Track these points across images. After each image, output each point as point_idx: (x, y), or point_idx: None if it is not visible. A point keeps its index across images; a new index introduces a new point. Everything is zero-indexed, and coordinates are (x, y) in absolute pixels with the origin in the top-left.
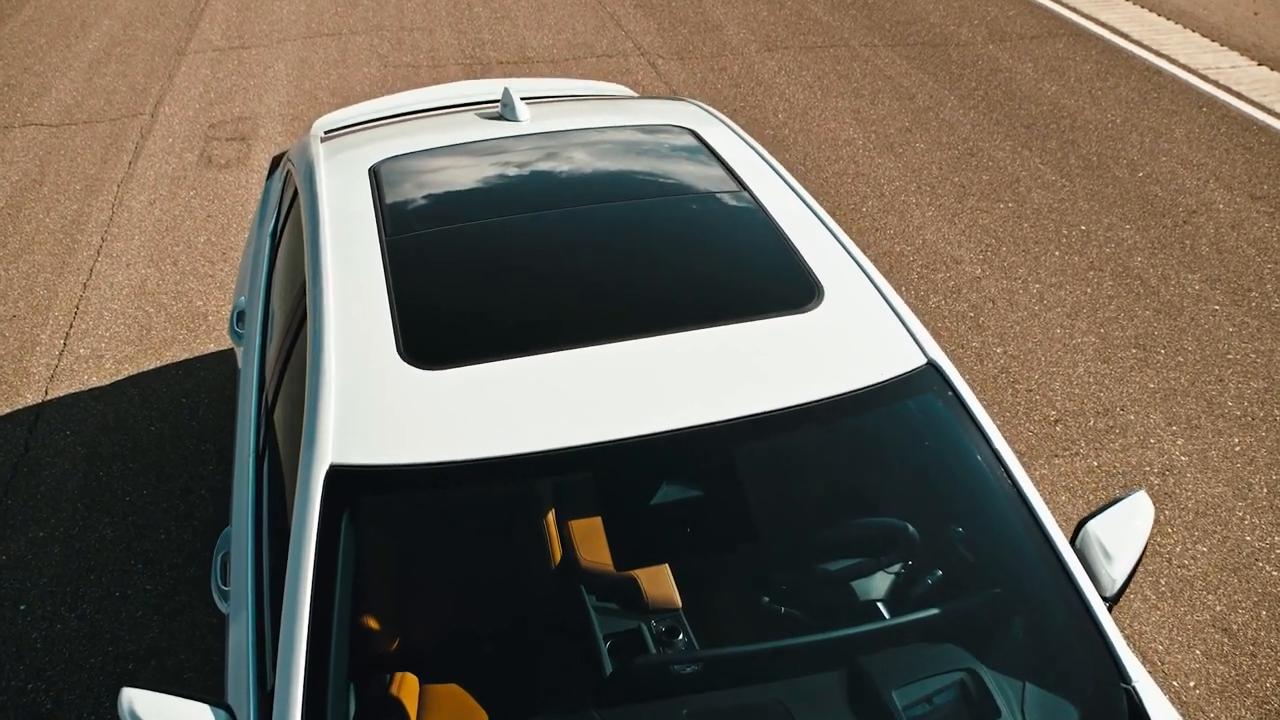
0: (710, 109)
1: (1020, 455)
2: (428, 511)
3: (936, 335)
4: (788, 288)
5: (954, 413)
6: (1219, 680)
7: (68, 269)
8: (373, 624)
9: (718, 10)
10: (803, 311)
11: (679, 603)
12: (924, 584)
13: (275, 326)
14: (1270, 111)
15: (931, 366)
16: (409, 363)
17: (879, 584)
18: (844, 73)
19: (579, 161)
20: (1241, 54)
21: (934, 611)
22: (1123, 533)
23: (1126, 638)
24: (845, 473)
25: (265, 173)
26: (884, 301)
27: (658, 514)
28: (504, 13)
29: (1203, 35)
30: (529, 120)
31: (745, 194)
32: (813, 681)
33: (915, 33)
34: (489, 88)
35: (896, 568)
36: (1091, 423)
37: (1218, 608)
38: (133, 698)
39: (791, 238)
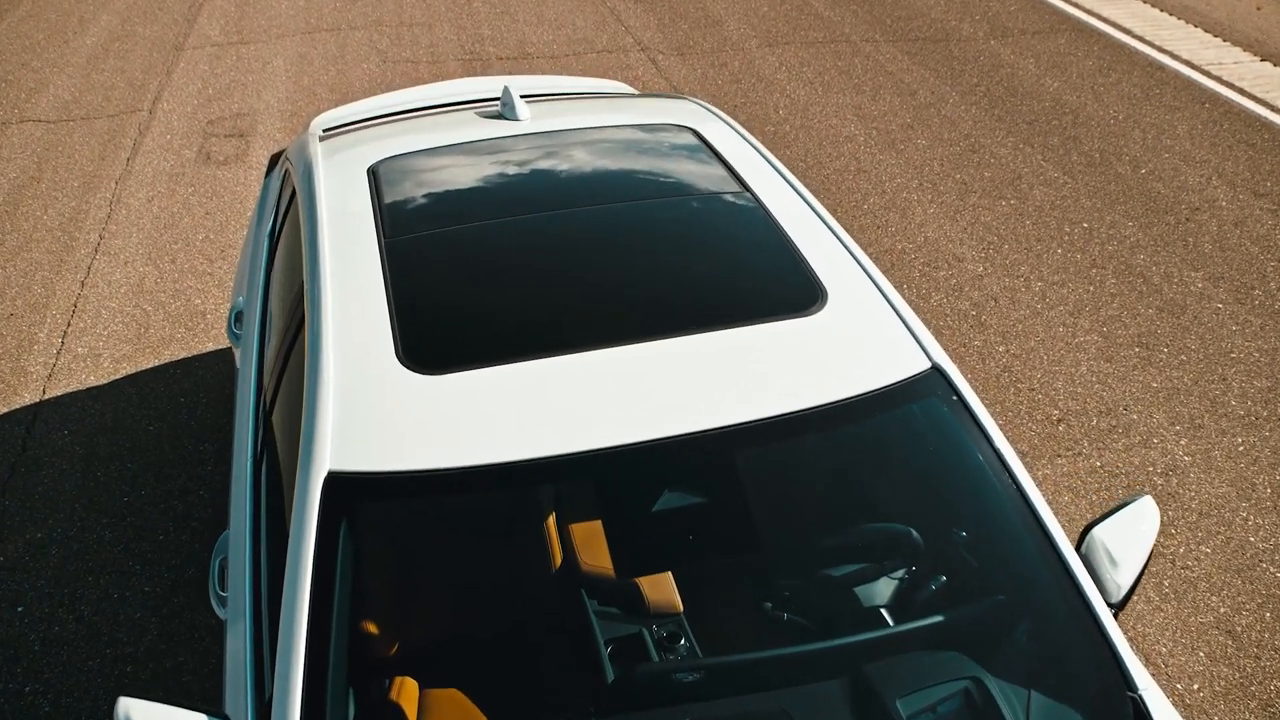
0: (711, 107)
1: (1023, 455)
2: (427, 518)
3: (938, 334)
4: (791, 291)
5: (958, 417)
6: (1223, 683)
7: (65, 267)
8: (372, 633)
9: (718, 5)
10: (806, 315)
11: (680, 607)
12: (928, 590)
13: (273, 328)
14: (1273, 108)
15: (936, 371)
16: (408, 367)
17: (883, 590)
18: (845, 68)
19: (579, 162)
20: (1244, 49)
21: (938, 619)
22: (1129, 538)
23: (1130, 640)
24: (849, 478)
25: (264, 170)
26: (887, 304)
27: (660, 521)
28: (504, 8)
29: (1205, 31)
30: (529, 119)
31: (747, 195)
32: (816, 689)
33: (916, 28)
34: (488, 85)
35: (900, 573)
36: (1094, 422)
37: (1221, 610)
38: (129, 707)
39: (794, 239)
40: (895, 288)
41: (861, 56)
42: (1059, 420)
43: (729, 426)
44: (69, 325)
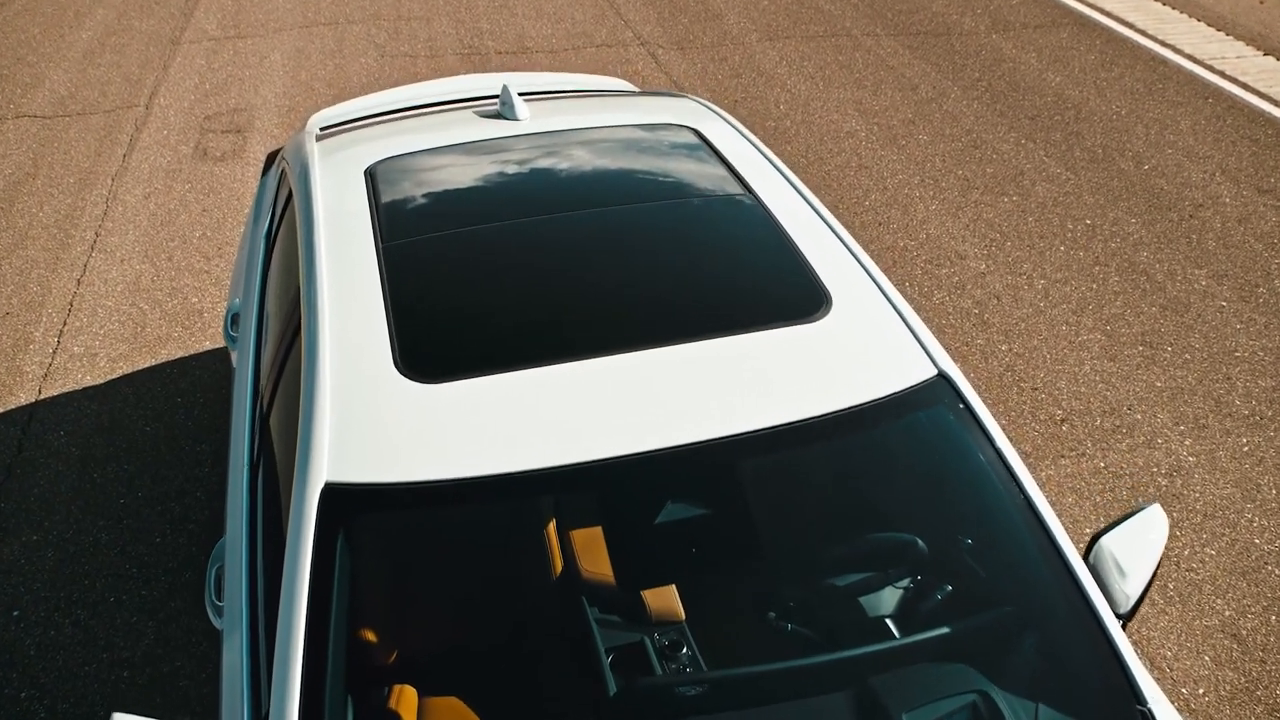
0: (712, 105)
1: (1026, 456)
2: (425, 529)
3: (941, 332)
4: (795, 296)
5: (965, 425)
6: (1228, 687)
7: (61, 264)
8: (370, 643)
9: None
10: (810, 321)
11: (683, 616)
12: (934, 601)
13: (270, 333)
14: (1276, 102)
15: (942, 378)
16: (405, 375)
17: (888, 600)
18: (846, 63)
19: (580, 163)
20: (1247, 44)
21: (945, 630)
22: (1137, 547)
23: (1135, 644)
24: (853, 487)
25: (261, 166)
26: (892, 309)
27: (662, 533)
28: (502, 1)
29: (1208, 24)
30: (528, 119)
31: (750, 198)
32: (821, 703)
33: (918, 22)
34: (487, 82)
35: (905, 582)
36: (1098, 422)
37: (1227, 612)
38: None
39: (798, 243)
40: (898, 286)
41: (862, 51)
42: (1062, 420)
43: (732, 436)
44: (65, 324)
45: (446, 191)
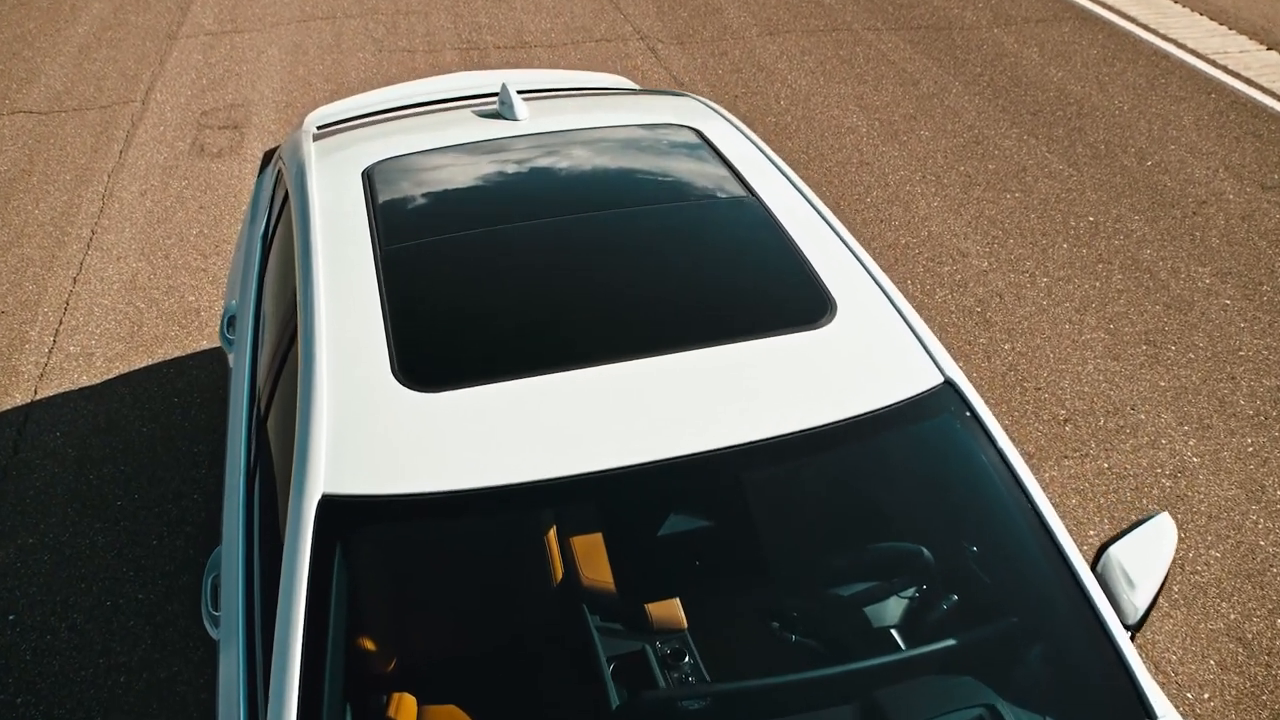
0: (713, 104)
1: (1029, 457)
2: (424, 540)
3: (943, 330)
4: (799, 302)
5: (972, 434)
6: (1234, 692)
7: (57, 263)
8: (368, 655)
9: None
10: (814, 328)
11: (685, 624)
12: (940, 611)
13: (266, 338)
14: None
15: (949, 385)
16: (404, 384)
17: (893, 611)
18: (847, 57)
19: (580, 165)
20: (1250, 38)
21: (951, 642)
22: (1145, 558)
23: (1139, 648)
24: (859, 496)
25: (258, 162)
26: (898, 315)
27: (665, 545)
28: None
29: (1210, 19)
30: (528, 119)
31: (752, 200)
32: (827, 715)
33: (919, 16)
34: (486, 80)
35: (910, 592)
36: (1101, 422)
37: (1231, 616)
38: None
39: (802, 248)
40: (899, 284)
41: (863, 45)
42: (1066, 420)
43: (735, 446)
44: (61, 323)
45: (445, 194)
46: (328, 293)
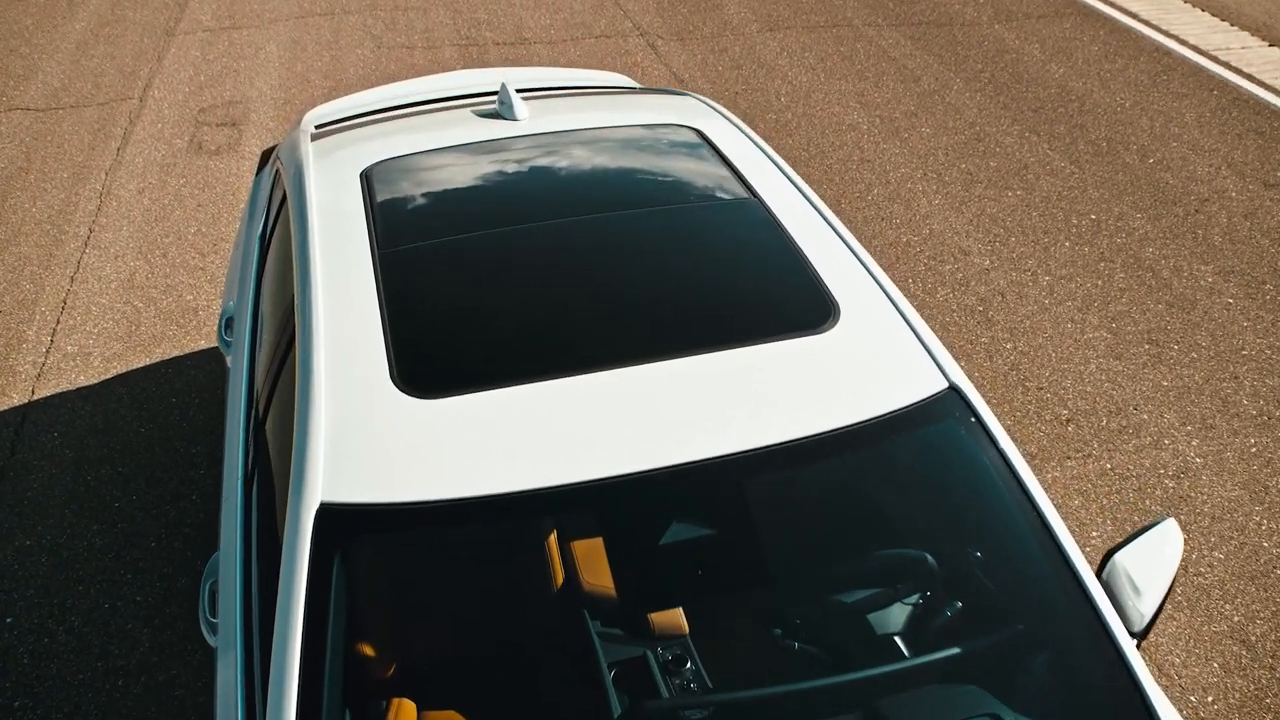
0: (714, 104)
1: (1032, 457)
2: (424, 550)
3: (945, 330)
4: (802, 307)
5: (977, 440)
6: (1238, 695)
7: (55, 261)
8: (368, 664)
9: None
10: (818, 332)
11: (686, 629)
12: (944, 618)
13: (264, 340)
14: None
15: (953, 391)
16: (403, 390)
17: (897, 618)
18: (847, 54)
19: (581, 166)
20: (1252, 34)
21: (955, 651)
22: (1151, 564)
23: (1142, 652)
24: (862, 503)
25: (256, 160)
26: (902, 320)
27: (667, 553)
28: None
29: (1212, 15)
30: (528, 119)
31: (755, 202)
32: None
33: (919, 12)
34: (485, 78)
35: (914, 599)
36: (1104, 422)
37: (1235, 618)
38: None
39: (804, 251)
40: (900, 283)
41: (864, 41)
42: (1068, 420)
43: (738, 454)
44: (58, 322)
45: (444, 196)
46: (326, 297)
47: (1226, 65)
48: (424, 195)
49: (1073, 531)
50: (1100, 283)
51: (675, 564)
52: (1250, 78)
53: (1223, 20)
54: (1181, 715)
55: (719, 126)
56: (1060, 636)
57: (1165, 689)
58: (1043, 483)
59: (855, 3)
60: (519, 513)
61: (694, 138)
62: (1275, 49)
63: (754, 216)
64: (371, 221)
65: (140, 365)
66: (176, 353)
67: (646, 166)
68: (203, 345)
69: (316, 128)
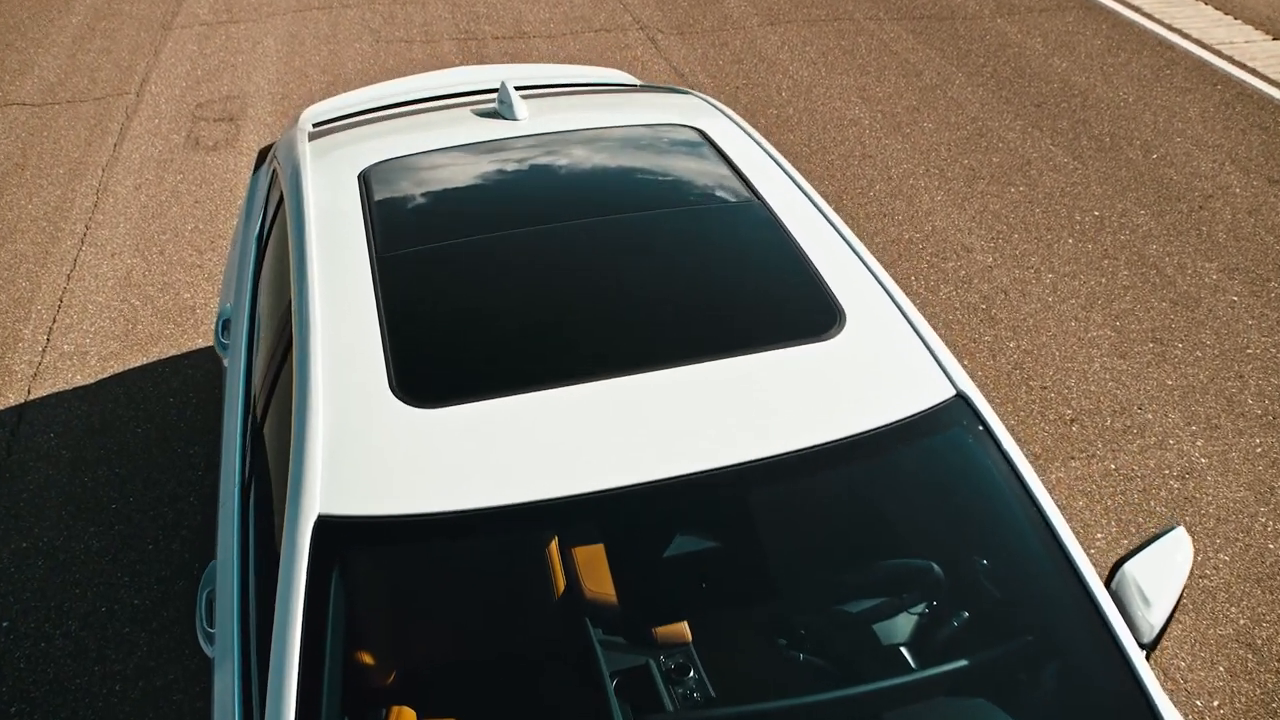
0: (716, 103)
1: (1035, 458)
2: (423, 563)
3: (948, 328)
4: (807, 313)
5: (984, 448)
6: (1244, 699)
7: (51, 259)
8: (366, 680)
9: None
10: (823, 339)
11: (689, 637)
12: (950, 628)
13: (261, 346)
14: None
15: (961, 398)
16: (402, 400)
17: (903, 628)
18: (849, 48)
19: (581, 168)
20: (1256, 28)
21: (963, 663)
22: (1161, 574)
23: (1151, 661)
24: (868, 512)
25: (254, 156)
26: (908, 325)
27: (671, 566)
28: None
29: (1215, 8)
30: (527, 118)
31: (758, 205)
32: None
33: (921, 5)
34: (484, 75)
35: (920, 608)
36: (1108, 422)
37: (1241, 621)
38: None
39: (809, 255)
40: (903, 280)
41: (865, 35)
42: (1072, 420)
43: (742, 464)
44: (55, 321)
45: (443, 199)
46: (323, 303)
47: (1230, 60)
48: (423, 197)
49: (1077, 533)
50: (1104, 280)
51: (679, 576)
52: (1254, 72)
53: (1226, 14)
54: (1185, 718)
55: (721, 126)
56: (1069, 648)
57: (1170, 693)
58: (1046, 483)
59: None
60: (519, 525)
61: (696, 138)
62: (1278, 43)
63: (757, 219)
64: (369, 224)
65: (137, 364)
66: (174, 352)
67: (648, 168)
68: (200, 344)
69: (314, 126)
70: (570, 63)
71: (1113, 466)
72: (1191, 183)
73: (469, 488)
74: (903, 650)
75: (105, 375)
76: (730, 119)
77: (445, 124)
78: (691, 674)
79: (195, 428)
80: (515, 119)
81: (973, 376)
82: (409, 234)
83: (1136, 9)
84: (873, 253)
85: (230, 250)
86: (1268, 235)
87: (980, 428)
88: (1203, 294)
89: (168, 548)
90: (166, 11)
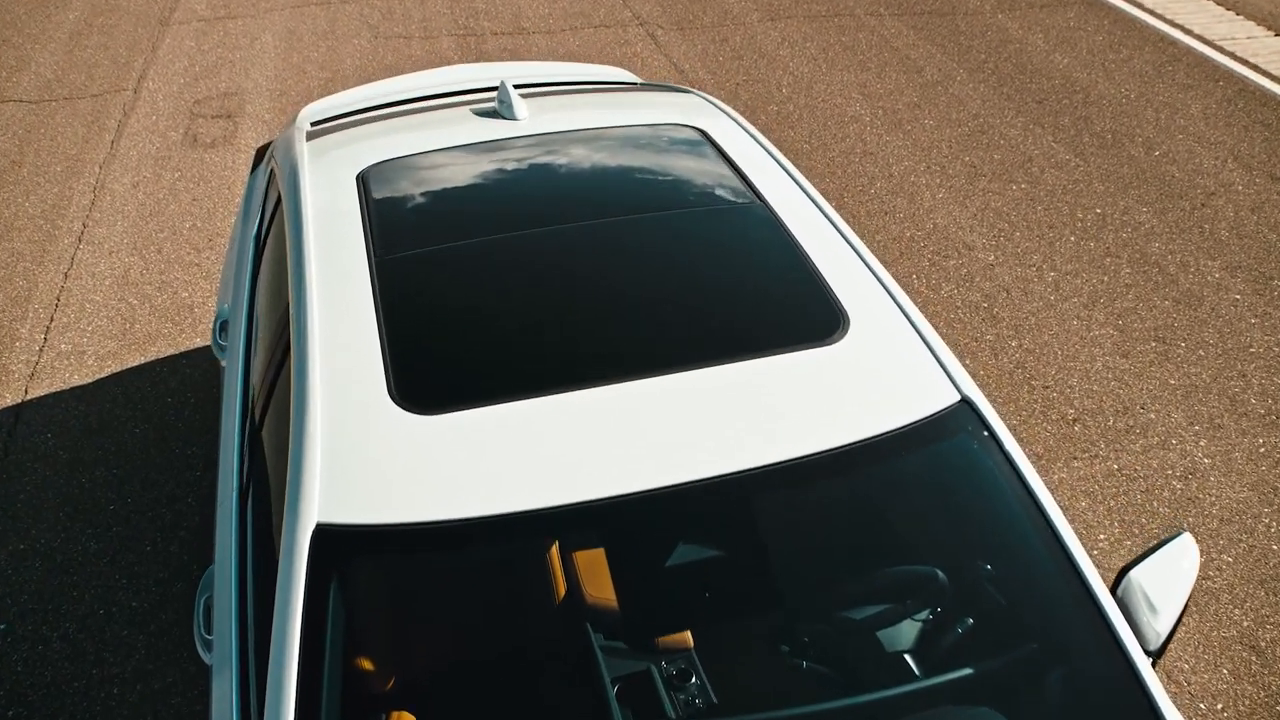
0: (718, 102)
1: (1038, 458)
2: (422, 572)
3: (950, 327)
4: (810, 317)
5: (989, 453)
6: (1248, 702)
7: (48, 257)
8: (366, 686)
9: None
10: (827, 344)
11: (691, 643)
12: (955, 635)
13: (258, 349)
14: None
15: (966, 404)
16: (401, 406)
17: (907, 636)
18: (849, 44)
19: (582, 169)
20: (1258, 24)
21: (968, 671)
22: (1167, 581)
23: (1158, 669)
24: (872, 519)
25: (252, 153)
26: (912, 330)
27: (673, 574)
28: None
29: (1217, 4)
30: (527, 118)
31: (761, 207)
32: None
33: (921, 1)
34: (484, 73)
35: (925, 615)
36: (1111, 422)
37: (1245, 623)
38: None
39: (812, 258)
40: (904, 279)
41: (866, 31)
42: (1074, 420)
43: (745, 471)
44: (52, 320)
45: (442, 201)
46: (321, 308)
47: (1232, 55)
48: (422, 199)
49: (1079, 534)
50: (1106, 278)
51: (682, 584)
52: (1256, 68)
53: (1228, 10)
54: None
55: (723, 126)
56: (1075, 656)
57: (1174, 696)
58: (1049, 484)
59: None
60: (520, 534)
61: (698, 139)
62: None
63: (759, 222)
64: (368, 227)
65: (135, 364)
66: (171, 351)
67: (649, 169)
68: (198, 343)
69: (312, 125)
70: (570, 58)
71: (1115, 467)
72: (1194, 180)
73: (470, 496)
74: (907, 658)
75: (103, 375)
76: (732, 118)
77: (444, 124)
78: (693, 680)
79: (193, 428)
80: (515, 119)
81: (975, 376)
82: (408, 236)
83: (1138, 4)
84: (874, 251)
85: (228, 250)
86: (1270, 233)
87: (985, 433)
88: (1205, 292)
89: (166, 549)
90: (164, 7)
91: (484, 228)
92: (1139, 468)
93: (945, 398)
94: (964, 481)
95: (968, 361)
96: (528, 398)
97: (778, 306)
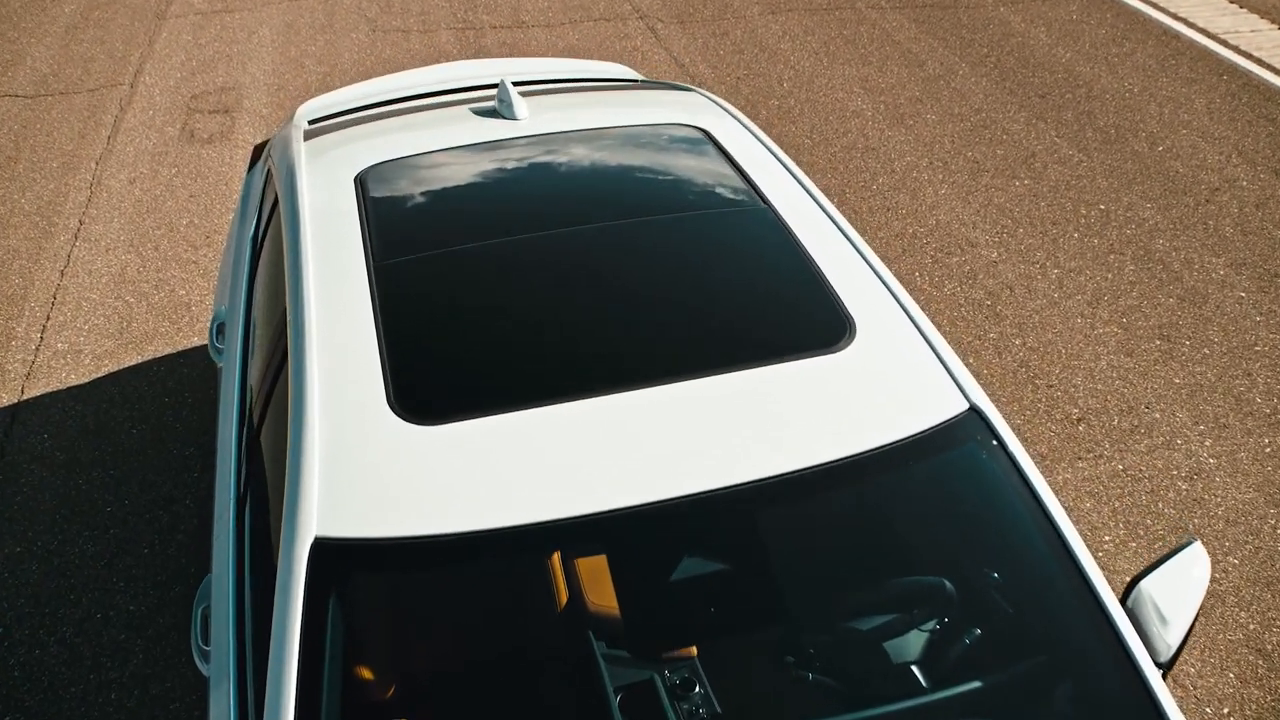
0: (720, 101)
1: (1042, 459)
2: (423, 585)
3: (953, 325)
4: (816, 324)
5: (997, 463)
6: (1254, 706)
7: (44, 255)
8: (365, 704)
9: None
10: (833, 351)
11: (695, 652)
12: (963, 647)
13: (256, 353)
14: None
15: (974, 412)
16: (400, 416)
17: (914, 646)
18: (851, 37)
19: (583, 171)
20: (1261, 17)
21: (976, 684)
22: (1178, 591)
23: (1168, 682)
24: (879, 529)
25: (249, 149)
26: (920, 337)
27: (678, 587)
28: None
29: None
30: (528, 118)
31: (765, 210)
32: None
33: None
34: (483, 70)
35: (932, 625)
36: (1115, 421)
37: (1251, 626)
38: None
39: (818, 262)
40: (907, 277)
41: (867, 24)
42: (1079, 420)
43: (751, 483)
44: (48, 319)
45: (442, 203)
46: (319, 314)
47: (1236, 49)
48: (421, 202)
49: (1084, 535)
50: (1110, 276)
51: (687, 597)
52: (1260, 62)
53: (1231, 2)
54: None
55: (726, 126)
56: (1084, 668)
57: (1180, 701)
58: (1053, 485)
59: None
60: (522, 547)
61: (701, 139)
62: None
63: (763, 225)
64: (366, 231)
65: (132, 363)
66: (169, 350)
67: (651, 170)
68: (196, 342)
69: (309, 124)
70: (569, 52)
71: (1120, 467)
72: (1198, 175)
73: (471, 508)
74: (914, 669)
75: (100, 374)
76: (734, 118)
77: (444, 123)
78: (697, 690)
79: (191, 429)
80: (515, 118)
81: (978, 375)
82: (407, 240)
83: None
84: (877, 248)
85: (225, 250)
86: (1275, 229)
87: (994, 442)
88: (1210, 289)
89: (164, 552)
90: (161, 0)
91: (484, 231)
92: (1144, 468)
93: (953, 406)
94: (972, 491)
95: (971, 360)
96: (529, 408)
97: (783, 313)
